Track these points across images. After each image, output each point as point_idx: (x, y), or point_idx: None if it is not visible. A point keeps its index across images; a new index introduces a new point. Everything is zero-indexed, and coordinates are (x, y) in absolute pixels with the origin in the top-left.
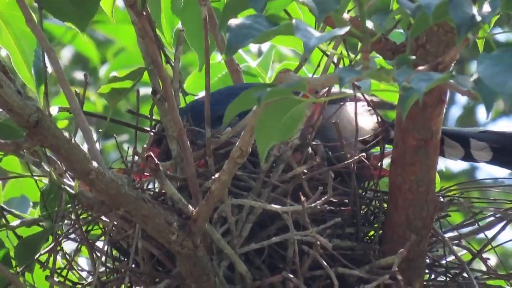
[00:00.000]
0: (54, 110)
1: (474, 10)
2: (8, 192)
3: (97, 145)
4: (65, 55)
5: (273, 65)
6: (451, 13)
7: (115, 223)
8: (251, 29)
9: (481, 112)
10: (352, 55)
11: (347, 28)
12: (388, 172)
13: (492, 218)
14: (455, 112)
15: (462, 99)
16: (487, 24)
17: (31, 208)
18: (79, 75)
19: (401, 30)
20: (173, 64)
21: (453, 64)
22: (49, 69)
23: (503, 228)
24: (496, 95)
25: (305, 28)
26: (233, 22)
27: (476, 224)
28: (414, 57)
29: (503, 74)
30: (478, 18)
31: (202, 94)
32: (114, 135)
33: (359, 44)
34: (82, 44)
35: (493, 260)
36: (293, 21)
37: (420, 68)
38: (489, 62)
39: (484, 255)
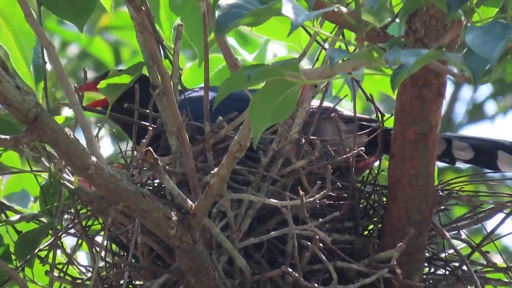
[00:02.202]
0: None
1: None
2: (8, 186)
3: (96, 140)
4: (74, 52)
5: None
6: None
7: (115, 218)
8: (241, 9)
9: (490, 106)
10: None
11: (336, 6)
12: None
13: (490, 210)
14: (461, 108)
15: (466, 95)
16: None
17: (31, 202)
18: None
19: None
20: (172, 59)
21: None
22: (48, 66)
23: (502, 222)
24: (483, 65)
25: (293, 6)
26: (223, 1)
27: (476, 218)
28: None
29: (491, 43)
30: None
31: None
32: (114, 130)
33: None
34: (97, 48)
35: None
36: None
37: None
38: (479, 32)
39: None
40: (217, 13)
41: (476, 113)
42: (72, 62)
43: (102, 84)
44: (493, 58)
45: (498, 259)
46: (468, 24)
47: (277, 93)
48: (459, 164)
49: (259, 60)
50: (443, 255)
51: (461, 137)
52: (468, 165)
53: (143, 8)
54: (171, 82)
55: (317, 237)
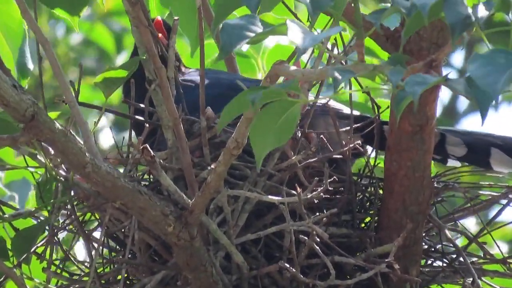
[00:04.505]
0: None
1: (468, 10)
2: (8, 175)
3: (93, 138)
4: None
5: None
6: (445, 13)
7: (112, 214)
8: (245, 30)
9: None
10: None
11: (339, 29)
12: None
13: (487, 202)
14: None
15: None
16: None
17: (32, 190)
18: (90, 62)
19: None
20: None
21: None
22: (31, 65)
23: (499, 213)
24: (490, 99)
25: (298, 29)
26: (227, 23)
27: (472, 209)
28: (405, 42)
29: (494, 74)
30: (472, 19)
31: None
32: (110, 126)
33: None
34: (98, 35)
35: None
36: (287, 21)
37: (414, 65)
38: (481, 61)
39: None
40: (221, 35)
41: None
42: (74, 50)
43: (98, 78)
44: (496, 91)
45: (503, 248)
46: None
47: (278, 114)
48: (451, 163)
49: (256, 49)
50: (438, 246)
51: (456, 132)
52: (459, 164)
53: (138, 2)
54: (167, 77)
55: (315, 232)
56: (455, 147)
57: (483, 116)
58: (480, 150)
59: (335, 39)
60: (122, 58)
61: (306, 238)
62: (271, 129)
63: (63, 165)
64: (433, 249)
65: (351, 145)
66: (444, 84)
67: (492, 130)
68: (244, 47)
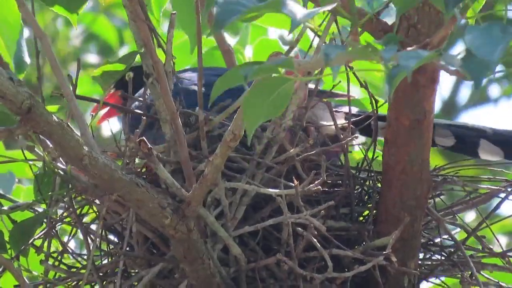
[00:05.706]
0: None
1: None
2: None
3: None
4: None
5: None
6: None
7: (109, 206)
8: (239, 5)
9: (494, 90)
10: (344, 35)
11: (333, 5)
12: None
13: (486, 195)
14: (465, 90)
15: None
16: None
17: (16, 183)
18: (92, 57)
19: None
20: (165, 48)
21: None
22: (28, 59)
23: (497, 206)
24: (484, 71)
25: (292, 5)
26: None
27: (471, 203)
28: (403, 37)
29: (491, 45)
30: None
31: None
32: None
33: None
34: (101, 27)
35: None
36: None
37: (408, 49)
38: (478, 33)
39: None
40: (215, 9)
41: (479, 96)
42: (75, 45)
43: (96, 72)
44: (494, 60)
45: (502, 242)
46: (463, 20)
47: (271, 90)
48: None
49: (242, 43)
50: (437, 239)
51: (445, 124)
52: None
53: None
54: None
55: (312, 225)
56: (443, 138)
57: (477, 86)
58: (469, 140)
59: (333, 33)
60: (123, 52)
61: (304, 231)
62: (263, 104)
63: (61, 158)
64: (431, 243)
65: (348, 138)
66: (438, 59)
67: (491, 125)
68: (232, 42)
